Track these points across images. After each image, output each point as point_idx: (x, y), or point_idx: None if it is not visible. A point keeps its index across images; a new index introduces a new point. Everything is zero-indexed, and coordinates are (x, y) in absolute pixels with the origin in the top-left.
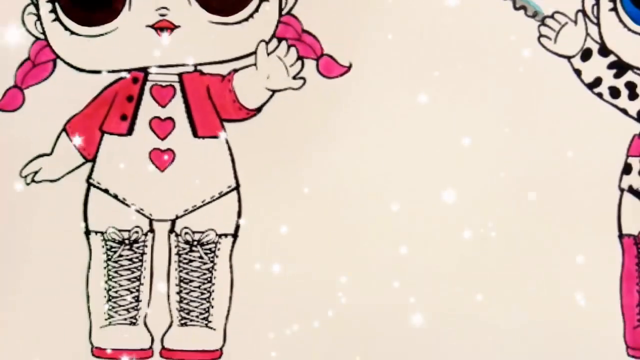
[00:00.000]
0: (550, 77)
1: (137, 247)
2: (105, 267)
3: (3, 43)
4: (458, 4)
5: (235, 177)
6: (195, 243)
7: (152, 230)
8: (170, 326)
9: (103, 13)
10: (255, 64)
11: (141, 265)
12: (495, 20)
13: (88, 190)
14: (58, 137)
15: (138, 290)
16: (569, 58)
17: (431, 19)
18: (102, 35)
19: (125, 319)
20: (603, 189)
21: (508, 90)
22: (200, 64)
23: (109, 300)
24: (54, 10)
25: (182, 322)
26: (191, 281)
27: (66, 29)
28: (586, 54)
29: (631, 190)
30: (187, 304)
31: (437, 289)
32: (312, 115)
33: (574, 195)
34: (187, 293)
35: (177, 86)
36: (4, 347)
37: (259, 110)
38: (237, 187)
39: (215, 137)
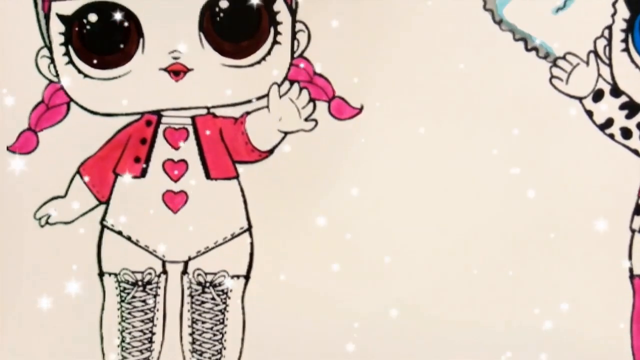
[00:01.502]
0: (561, 118)
1: (150, 289)
2: (118, 309)
3: (16, 86)
4: (468, 47)
5: (248, 218)
6: (207, 284)
7: (165, 272)
8: None
9: (116, 56)
10: (267, 106)
11: (154, 307)
12: (507, 61)
13: (101, 232)
14: (72, 179)
15: (151, 332)
16: (580, 99)
17: (442, 61)
18: (115, 78)
19: None
20: (614, 229)
21: (518, 131)
22: (213, 107)
23: (123, 341)
24: (67, 54)
25: None
26: (204, 322)
27: (80, 72)
28: (598, 95)
29: None
30: (199, 345)
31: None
32: (324, 157)
33: (586, 235)
34: (199, 334)
35: (190, 129)
36: None
37: (271, 152)
38: (249, 229)
39: (228, 178)
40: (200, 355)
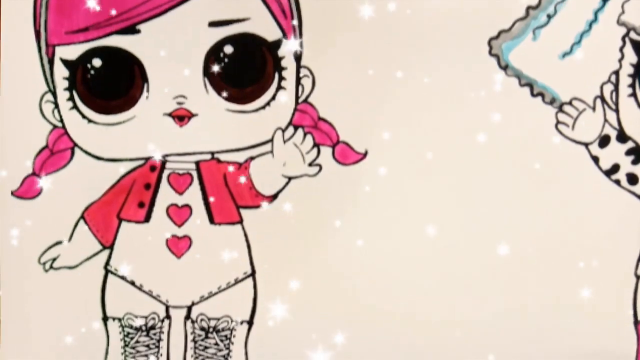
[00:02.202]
0: (567, 164)
1: (154, 334)
2: (122, 353)
3: (21, 131)
4: (468, 93)
5: (251, 263)
6: (211, 329)
7: (168, 317)
8: None
9: (121, 101)
10: (271, 152)
11: (158, 352)
12: (511, 107)
13: (105, 277)
14: (76, 224)
15: None
16: (586, 145)
17: (447, 106)
18: (119, 123)
19: None
20: (619, 276)
21: (523, 175)
22: (218, 152)
23: None
24: (71, 99)
25: None
26: None
27: (84, 117)
28: (604, 141)
29: None
30: None
31: None
32: (328, 202)
33: (590, 282)
34: None
35: (194, 174)
36: None
37: (275, 197)
38: (252, 274)
39: (232, 223)
40: None
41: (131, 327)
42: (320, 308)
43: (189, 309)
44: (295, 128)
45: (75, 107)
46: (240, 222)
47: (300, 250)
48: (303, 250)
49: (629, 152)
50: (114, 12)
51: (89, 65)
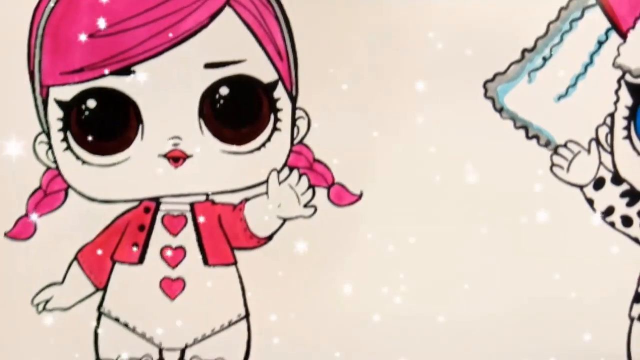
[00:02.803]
0: (561, 206)
1: None
2: None
3: (15, 171)
4: (467, 130)
5: (245, 305)
6: None
7: (162, 359)
8: None
9: (115, 142)
10: (266, 193)
11: None
12: (505, 149)
13: (99, 318)
14: (69, 266)
15: None
16: (581, 187)
17: (442, 150)
18: (114, 164)
19: None
20: (613, 317)
21: (517, 216)
22: (212, 193)
23: None
24: (65, 139)
25: None
26: None
27: (78, 158)
28: (599, 183)
29: None
30: None
31: None
32: (323, 243)
33: (584, 323)
34: None
35: (189, 215)
36: None
37: (269, 238)
38: (246, 316)
39: (226, 265)
40: None
41: None
42: (316, 350)
43: (183, 351)
44: (291, 169)
45: (69, 148)
46: (235, 263)
47: (294, 292)
48: (297, 291)
49: (623, 195)
50: (109, 53)
51: (83, 106)
